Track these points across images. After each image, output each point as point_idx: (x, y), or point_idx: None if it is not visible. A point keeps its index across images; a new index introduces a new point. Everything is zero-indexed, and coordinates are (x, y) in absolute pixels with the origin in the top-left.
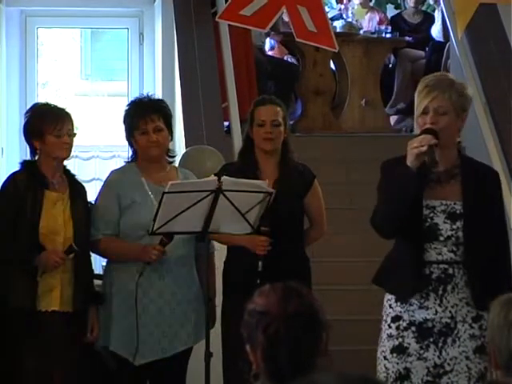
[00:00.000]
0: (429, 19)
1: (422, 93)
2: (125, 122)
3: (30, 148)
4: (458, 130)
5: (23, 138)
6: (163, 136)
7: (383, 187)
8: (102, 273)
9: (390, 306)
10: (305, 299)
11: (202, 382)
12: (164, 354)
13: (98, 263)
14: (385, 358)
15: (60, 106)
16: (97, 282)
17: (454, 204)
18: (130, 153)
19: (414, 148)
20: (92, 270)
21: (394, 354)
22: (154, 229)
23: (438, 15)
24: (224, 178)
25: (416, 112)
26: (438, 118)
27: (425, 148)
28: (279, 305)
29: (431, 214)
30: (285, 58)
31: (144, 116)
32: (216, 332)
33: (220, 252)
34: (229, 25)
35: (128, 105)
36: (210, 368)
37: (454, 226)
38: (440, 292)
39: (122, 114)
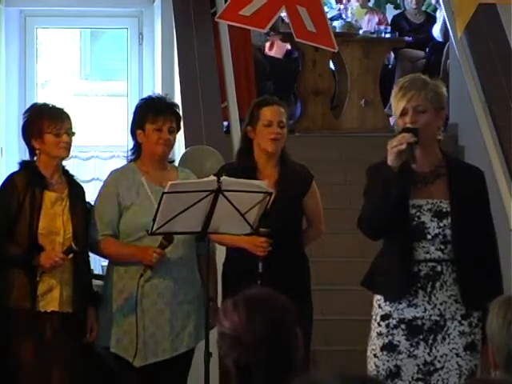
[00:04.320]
0: (431, 20)
1: (398, 95)
2: (140, 112)
3: (29, 148)
4: (437, 127)
5: (22, 138)
6: (174, 137)
7: (369, 191)
8: (102, 273)
9: (379, 306)
10: (268, 312)
11: (201, 382)
12: (165, 356)
13: (98, 263)
14: (375, 355)
15: (58, 105)
16: (97, 282)
17: (440, 202)
18: (131, 146)
19: (393, 147)
20: (91, 270)
21: (385, 352)
22: (154, 229)
23: (439, 15)
24: (224, 178)
25: (394, 116)
26: (417, 117)
27: (404, 146)
28: (244, 329)
29: (418, 213)
30: (287, 47)
31: (164, 113)
32: (216, 332)
33: (219, 253)
34: (228, 25)
35: (148, 98)
36: (210, 368)
37: (441, 224)
38: (428, 289)
39: (140, 102)
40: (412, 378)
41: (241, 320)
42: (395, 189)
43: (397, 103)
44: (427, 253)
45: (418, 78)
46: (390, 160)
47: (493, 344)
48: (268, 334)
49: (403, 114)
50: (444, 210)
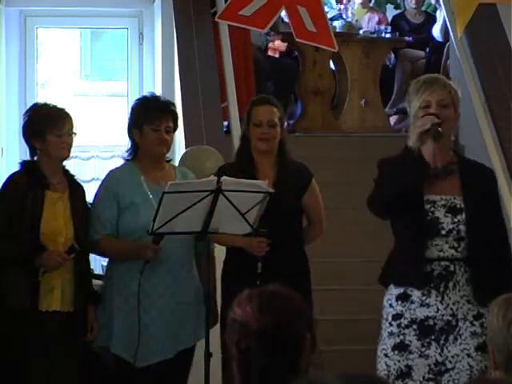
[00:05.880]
0: (431, 20)
1: (421, 89)
2: (136, 112)
3: (30, 148)
4: (454, 125)
5: (22, 138)
6: (172, 137)
7: (380, 178)
8: (102, 273)
9: (391, 305)
10: (280, 310)
11: (201, 382)
12: (165, 356)
13: (98, 263)
14: (386, 355)
15: (59, 105)
16: (97, 282)
17: (454, 199)
18: (129, 146)
19: (417, 127)
20: (91, 270)
21: (396, 352)
22: (154, 229)
23: (439, 15)
24: (224, 177)
25: (413, 110)
26: (441, 110)
27: (428, 126)
28: (253, 319)
29: (432, 209)
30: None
31: (161, 113)
32: (216, 332)
33: (219, 253)
34: (228, 25)
35: (143, 98)
36: (210, 368)
37: (456, 220)
38: (441, 289)
39: (135, 103)
40: (423, 378)
41: (253, 312)
42: (414, 169)
43: (419, 96)
44: (441, 251)
45: (440, 77)
46: (413, 141)
47: (493, 344)
48: (272, 332)
49: (426, 106)
50: (458, 206)
